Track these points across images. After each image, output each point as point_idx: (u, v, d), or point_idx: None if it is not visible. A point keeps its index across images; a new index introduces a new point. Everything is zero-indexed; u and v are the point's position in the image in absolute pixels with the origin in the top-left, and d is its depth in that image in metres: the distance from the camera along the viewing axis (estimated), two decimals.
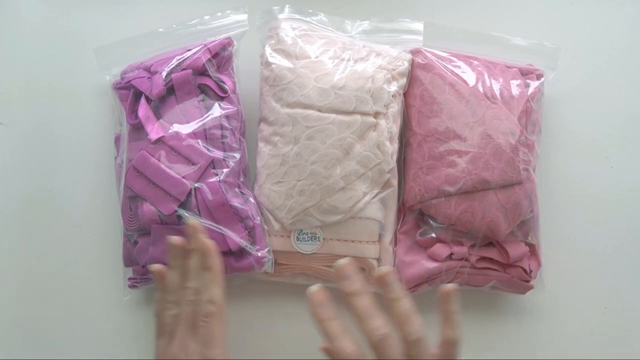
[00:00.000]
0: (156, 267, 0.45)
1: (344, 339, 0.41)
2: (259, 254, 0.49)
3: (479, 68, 0.52)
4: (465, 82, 0.51)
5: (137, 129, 0.50)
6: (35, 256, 0.56)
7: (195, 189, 0.48)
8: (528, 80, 0.53)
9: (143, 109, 0.50)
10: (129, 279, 0.51)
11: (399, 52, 0.52)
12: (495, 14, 0.60)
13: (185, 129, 0.49)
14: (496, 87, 0.51)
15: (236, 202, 0.49)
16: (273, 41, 0.52)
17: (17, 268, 0.56)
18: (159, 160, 0.48)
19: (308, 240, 0.50)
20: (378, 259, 0.51)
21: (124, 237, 0.51)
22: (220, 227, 0.48)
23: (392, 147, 0.50)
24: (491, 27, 0.55)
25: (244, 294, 0.55)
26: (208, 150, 0.49)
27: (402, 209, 0.53)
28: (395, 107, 0.51)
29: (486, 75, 0.51)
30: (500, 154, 0.48)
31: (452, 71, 0.51)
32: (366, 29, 0.54)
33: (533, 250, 0.51)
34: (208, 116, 0.50)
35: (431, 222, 0.51)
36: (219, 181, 0.49)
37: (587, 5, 0.60)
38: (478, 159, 0.48)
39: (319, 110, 0.49)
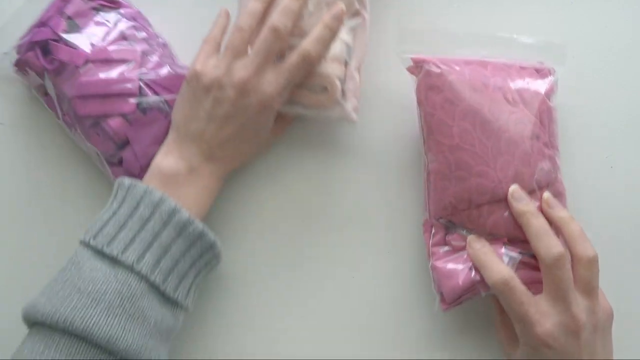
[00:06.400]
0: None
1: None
2: None
3: (495, 71, 0.50)
4: (484, 86, 0.49)
5: (59, 72, 0.50)
6: (35, 256, 0.56)
7: (143, 81, 0.50)
8: (543, 79, 0.51)
9: (56, 49, 0.50)
10: None
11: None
12: (495, 14, 0.60)
13: (102, 42, 0.51)
14: (515, 89, 0.49)
15: (184, 70, 0.51)
16: None
17: (17, 268, 0.55)
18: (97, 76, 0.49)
19: None
20: (342, 81, 0.51)
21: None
22: None
23: None
24: (491, 28, 0.55)
25: (243, 292, 0.55)
26: (132, 47, 0.51)
27: (431, 222, 0.52)
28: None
29: (504, 79, 0.49)
30: (527, 159, 0.48)
31: (470, 77, 0.49)
32: None
33: None
34: (116, 23, 0.52)
35: (463, 232, 0.50)
36: (159, 61, 0.51)
37: (587, 5, 0.59)
38: (507, 166, 0.48)
39: None
